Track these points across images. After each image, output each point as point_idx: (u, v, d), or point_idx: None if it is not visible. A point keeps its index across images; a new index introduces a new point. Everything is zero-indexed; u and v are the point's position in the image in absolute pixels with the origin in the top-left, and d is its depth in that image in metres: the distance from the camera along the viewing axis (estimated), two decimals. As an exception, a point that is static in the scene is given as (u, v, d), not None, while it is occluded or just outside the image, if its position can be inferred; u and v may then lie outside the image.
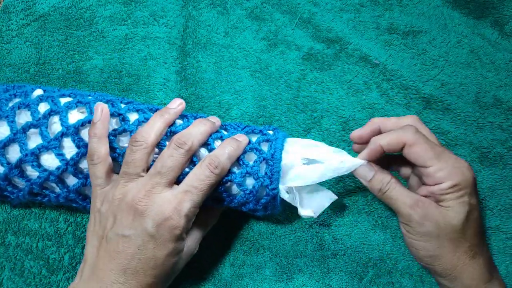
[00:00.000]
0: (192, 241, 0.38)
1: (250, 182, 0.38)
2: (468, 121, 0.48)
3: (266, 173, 0.38)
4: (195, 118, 0.41)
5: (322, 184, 0.41)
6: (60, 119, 0.39)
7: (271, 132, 0.41)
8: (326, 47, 0.51)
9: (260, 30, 0.52)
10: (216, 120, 0.41)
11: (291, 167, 0.39)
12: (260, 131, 0.41)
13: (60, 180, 0.39)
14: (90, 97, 0.41)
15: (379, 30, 0.52)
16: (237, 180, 0.38)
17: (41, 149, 0.38)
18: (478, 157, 0.47)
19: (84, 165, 0.39)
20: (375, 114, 0.48)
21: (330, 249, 0.44)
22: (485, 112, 0.48)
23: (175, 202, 0.35)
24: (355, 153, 0.41)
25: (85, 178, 0.39)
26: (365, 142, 0.40)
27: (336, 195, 0.40)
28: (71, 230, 0.44)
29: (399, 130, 0.37)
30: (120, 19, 0.52)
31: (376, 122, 0.40)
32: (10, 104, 0.40)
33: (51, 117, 0.39)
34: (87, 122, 0.39)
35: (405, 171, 0.41)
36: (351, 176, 0.44)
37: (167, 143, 0.38)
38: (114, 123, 0.40)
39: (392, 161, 0.42)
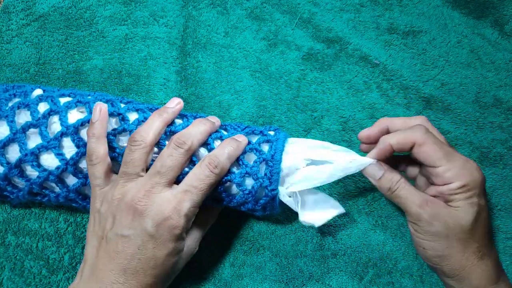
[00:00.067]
0: (192, 240, 0.38)
1: (249, 182, 0.38)
2: (468, 121, 0.48)
3: (265, 174, 0.38)
4: (195, 117, 0.41)
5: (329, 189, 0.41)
6: (60, 119, 0.39)
7: (272, 133, 0.41)
8: (326, 47, 0.51)
9: (260, 30, 0.52)
10: (215, 120, 0.41)
11: (294, 170, 0.39)
12: (261, 132, 0.41)
13: (60, 180, 0.39)
14: (89, 97, 0.41)
15: (379, 30, 0.52)
16: (236, 180, 0.38)
17: (41, 149, 0.38)
18: (478, 157, 0.47)
19: (83, 165, 0.39)
20: (375, 114, 0.48)
21: (330, 249, 0.44)
22: (485, 112, 0.48)
23: (174, 202, 0.35)
24: (362, 153, 0.41)
25: (84, 178, 0.39)
26: (373, 142, 0.40)
27: (344, 207, 0.40)
28: (71, 230, 0.44)
29: (409, 129, 0.37)
30: (120, 19, 0.52)
31: (384, 122, 0.40)
32: (10, 104, 0.40)
33: (50, 117, 0.39)
34: (86, 121, 0.39)
35: (412, 171, 0.41)
36: (351, 176, 0.44)
37: (166, 142, 0.38)
38: (114, 123, 0.40)
39: (399, 161, 0.42)
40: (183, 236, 0.36)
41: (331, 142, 0.42)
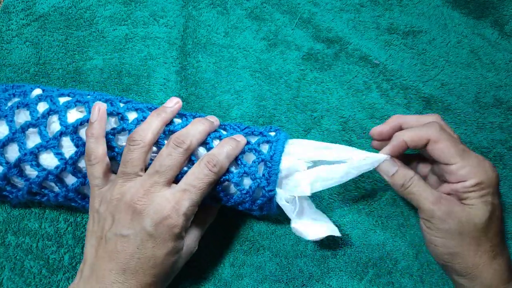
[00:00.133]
0: (191, 239, 0.38)
1: (247, 182, 0.38)
2: (468, 121, 0.48)
3: (263, 175, 0.38)
4: (194, 117, 0.41)
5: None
6: (59, 119, 0.39)
7: (272, 134, 0.41)
8: (326, 47, 0.51)
9: (260, 30, 0.52)
10: (214, 120, 0.41)
11: (294, 172, 0.39)
12: (261, 132, 0.41)
13: (59, 179, 0.39)
14: (89, 96, 0.41)
15: (379, 30, 0.52)
16: (234, 180, 0.38)
17: (40, 148, 0.38)
18: (478, 157, 0.47)
19: (83, 164, 0.39)
20: (375, 114, 0.48)
21: (330, 249, 0.44)
22: (485, 112, 0.48)
23: (173, 201, 0.35)
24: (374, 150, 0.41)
25: (84, 177, 0.39)
26: (385, 139, 0.40)
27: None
28: (71, 230, 0.44)
29: (423, 126, 0.37)
30: (120, 19, 0.52)
31: (397, 119, 0.40)
32: (9, 104, 0.40)
33: (50, 116, 0.39)
34: (85, 121, 0.39)
35: (423, 170, 0.41)
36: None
37: (165, 142, 0.38)
38: (113, 122, 0.40)
39: (409, 160, 0.42)
40: (182, 235, 0.36)
41: (331, 142, 0.42)
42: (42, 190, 0.40)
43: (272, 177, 0.38)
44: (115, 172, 0.38)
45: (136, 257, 0.34)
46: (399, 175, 0.38)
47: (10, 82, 0.49)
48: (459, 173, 0.36)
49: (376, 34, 0.52)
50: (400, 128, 0.40)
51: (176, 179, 0.37)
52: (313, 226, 0.39)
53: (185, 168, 0.37)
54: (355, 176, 0.38)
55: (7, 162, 0.39)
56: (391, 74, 0.50)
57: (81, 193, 0.40)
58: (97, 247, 0.36)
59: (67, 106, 0.39)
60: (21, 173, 0.39)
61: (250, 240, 0.44)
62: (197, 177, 0.36)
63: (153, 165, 0.36)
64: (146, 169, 0.37)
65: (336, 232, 0.39)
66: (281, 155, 0.38)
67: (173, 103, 0.40)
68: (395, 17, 0.52)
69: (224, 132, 0.41)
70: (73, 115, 0.39)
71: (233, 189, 0.39)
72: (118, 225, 0.35)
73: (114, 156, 0.38)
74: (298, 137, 0.43)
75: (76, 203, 0.41)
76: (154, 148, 0.38)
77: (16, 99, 0.41)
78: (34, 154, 0.38)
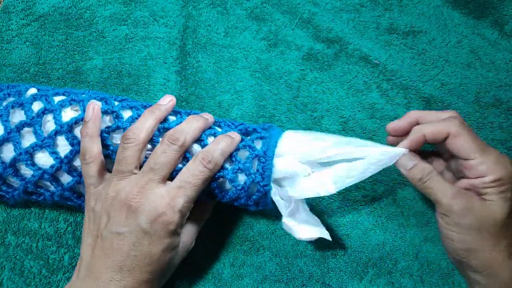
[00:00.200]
0: (188, 236, 0.38)
1: (242, 178, 0.39)
2: (468, 121, 0.48)
3: (257, 170, 0.38)
4: (189, 114, 0.41)
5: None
6: (54, 118, 0.39)
7: (266, 130, 0.41)
8: (326, 47, 0.51)
9: (260, 30, 0.52)
10: (209, 117, 0.41)
11: (293, 172, 0.39)
12: (254, 129, 0.41)
13: (55, 179, 0.39)
14: (83, 95, 0.41)
15: (379, 30, 0.52)
16: (229, 176, 0.38)
17: (35, 147, 0.38)
18: (478, 157, 0.47)
19: (78, 163, 0.39)
20: (375, 114, 0.48)
21: (330, 249, 0.44)
22: (485, 112, 0.48)
23: (168, 198, 0.35)
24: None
25: (79, 176, 0.39)
26: (400, 135, 0.40)
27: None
28: (71, 230, 0.44)
29: (443, 121, 0.37)
30: (120, 19, 0.52)
31: (414, 115, 0.40)
32: (4, 103, 0.40)
33: (44, 115, 0.39)
34: (80, 120, 0.39)
35: (438, 166, 0.41)
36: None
37: (160, 139, 0.38)
38: (108, 121, 0.40)
39: (423, 156, 0.41)
40: (178, 232, 0.36)
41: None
42: (38, 189, 0.40)
43: (266, 172, 0.38)
44: (110, 171, 0.38)
45: (132, 255, 0.34)
46: (417, 169, 0.37)
47: (10, 82, 0.49)
48: (478, 169, 0.35)
49: (376, 34, 0.52)
50: (417, 123, 0.39)
51: (171, 177, 0.37)
52: (303, 226, 0.39)
53: (180, 166, 0.38)
54: (375, 172, 0.38)
55: (2, 162, 0.39)
56: (391, 74, 0.50)
57: (77, 192, 0.40)
58: (93, 246, 0.36)
59: (62, 105, 0.40)
60: (17, 173, 0.39)
61: (250, 240, 0.44)
62: (192, 174, 0.36)
63: (148, 163, 0.36)
64: (141, 167, 0.37)
65: (327, 236, 0.39)
66: (274, 150, 0.38)
67: (167, 101, 0.40)
68: (395, 17, 0.52)
69: (219, 129, 0.41)
70: (68, 114, 0.39)
71: (228, 185, 0.39)
72: (114, 223, 0.35)
73: (109, 154, 0.39)
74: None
75: (72, 202, 0.41)
76: (149, 146, 0.38)
77: (11, 99, 0.41)
78: (29, 154, 0.38)
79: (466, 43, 0.51)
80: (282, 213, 0.39)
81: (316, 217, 0.40)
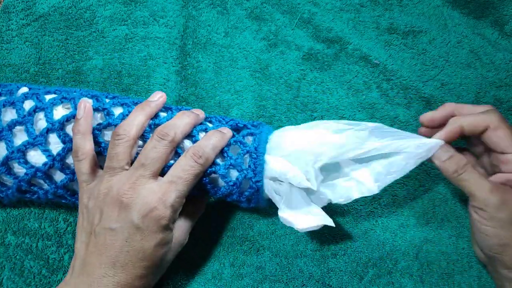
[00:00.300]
0: (181, 232, 0.38)
1: (233, 174, 0.39)
2: (468, 121, 0.48)
3: (249, 166, 0.38)
4: (180, 111, 0.41)
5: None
6: (45, 116, 0.39)
7: (255, 127, 0.41)
8: (326, 47, 0.51)
9: (260, 30, 0.52)
10: (200, 113, 0.41)
11: (350, 172, 0.38)
12: (245, 125, 0.41)
13: (48, 176, 0.39)
14: (75, 93, 0.41)
15: (379, 30, 0.52)
16: (221, 172, 0.38)
17: (27, 145, 0.38)
18: (478, 157, 0.47)
19: (70, 160, 0.39)
20: (375, 114, 0.48)
21: (330, 249, 0.44)
22: (485, 112, 0.48)
23: (160, 193, 0.35)
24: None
25: (72, 173, 0.39)
26: (435, 126, 0.39)
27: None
28: (70, 230, 0.44)
29: (482, 113, 0.37)
30: (120, 19, 0.52)
31: (449, 107, 0.39)
32: None
33: (36, 113, 0.39)
34: (72, 117, 0.39)
35: (469, 161, 0.40)
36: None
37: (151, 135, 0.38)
38: (99, 118, 0.40)
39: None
40: (170, 227, 0.36)
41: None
42: (32, 187, 0.40)
43: (258, 168, 0.38)
44: (102, 167, 0.38)
45: (125, 250, 0.34)
46: (453, 161, 0.37)
47: (10, 82, 0.49)
48: None
49: (376, 34, 0.52)
50: (453, 115, 0.39)
51: (163, 172, 0.37)
52: (302, 216, 0.38)
53: (172, 161, 0.38)
54: (414, 166, 0.37)
55: None
56: (391, 74, 0.50)
57: (70, 190, 0.41)
58: (87, 243, 0.36)
59: (53, 103, 0.40)
60: (10, 171, 0.39)
61: (250, 240, 0.44)
62: (183, 169, 0.36)
63: (139, 159, 0.36)
64: (132, 163, 0.37)
65: (329, 223, 0.38)
66: (265, 146, 0.39)
67: (157, 97, 0.40)
68: (395, 17, 0.52)
69: (210, 125, 0.41)
70: (60, 112, 0.40)
71: (220, 181, 0.39)
72: (106, 219, 0.35)
73: (101, 151, 0.39)
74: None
75: (66, 199, 0.41)
76: (140, 142, 0.38)
77: (2, 98, 0.41)
78: (21, 152, 0.38)
79: (466, 43, 0.51)
80: (278, 206, 0.39)
81: (316, 206, 0.39)
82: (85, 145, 0.37)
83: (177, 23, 0.52)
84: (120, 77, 0.50)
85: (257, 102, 0.49)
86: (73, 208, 0.44)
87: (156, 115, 0.39)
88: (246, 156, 0.39)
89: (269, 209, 0.44)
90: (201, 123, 0.40)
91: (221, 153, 0.39)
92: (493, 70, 0.50)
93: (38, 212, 0.44)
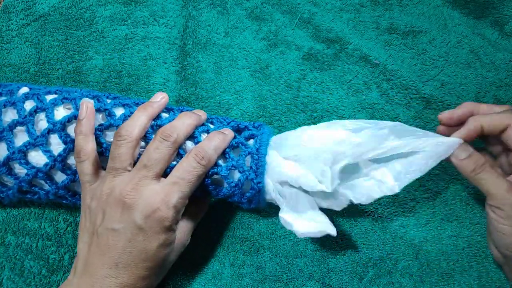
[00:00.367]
0: (183, 233, 0.38)
1: (235, 175, 0.39)
2: (468, 121, 0.48)
3: (251, 167, 0.38)
4: (181, 111, 0.41)
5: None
6: (46, 116, 0.39)
7: (256, 128, 0.41)
8: (326, 47, 0.51)
9: (260, 30, 0.52)
10: (202, 113, 0.41)
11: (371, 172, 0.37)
12: (246, 126, 0.41)
13: (49, 177, 0.39)
14: (76, 93, 0.41)
15: (379, 30, 0.52)
16: (223, 173, 0.38)
17: (28, 146, 0.38)
18: (478, 157, 0.47)
19: (72, 161, 0.39)
20: (375, 114, 0.48)
21: (330, 249, 0.44)
22: (485, 112, 0.48)
23: (163, 194, 0.35)
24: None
25: (73, 174, 0.39)
26: (453, 125, 0.39)
27: (338, 228, 0.38)
28: (70, 230, 0.44)
29: (503, 112, 0.37)
30: (120, 19, 0.52)
31: (468, 106, 0.39)
32: None
33: (37, 114, 0.39)
34: (73, 118, 0.39)
35: (487, 161, 0.41)
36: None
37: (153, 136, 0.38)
38: (101, 118, 0.40)
39: None
40: (173, 228, 0.36)
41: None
42: (32, 188, 0.40)
43: (259, 169, 0.38)
44: (104, 168, 0.38)
45: (127, 251, 0.34)
46: (472, 159, 0.37)
47: (10, 82, 0.49)
48: None
49: (376, 34, 0.52)
50: (471, 114, 0.39)
51: (165, 174, 0.37)
52: (303, 221, 0.38)
53: (174, 163, 0.38)
54: (434, 165, 0.37)
55: None
56: (391, 74, 0.50)
57: (71, 190, 0.41)
58: (89, 243, 0.36)
59: (54, 103, 0.40)
60: (10, 172, 0.39)
61: (250, 240, 0.44)
62: (186, 170, 0.36)
63: (141, 160, 0.36)
64: (135, 164, 0.37)
65: (332, 231, 0.37)
66: (266, 147, 0.39)
67: (159, 98, 0.40)
68: (395, 17, 0.52)
69: (212, 126, 0.41)
70: (61, 112, 0.40)
71: (222, 182, 0.39)
72: (109, 220, 0.35)
73: (103, 151, 0.39)
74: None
75: (67, 200, 0.41)
76: (142, 143, 0.38)
77: (3, 98, 0.41)
78: (22, 152, 0.38)
79: (466, 43, 0.51)
80: (280, 207, 0.39)
81: (321, 212, 0.39)
82: (87, 146, 0.37)
83: (177, 23, 0.52)
84: (120, 77, 0.50)
85: (257, 102, 0.49)
86: (73, 208, 0.44)
87: (158, 116, 0.39)
88: (247, 157, 0.39)
89: (269, 209, 0.44)
90: (203, 124, 0.40)
91: (223, 154, 0.39)
92: (493, 70, 0.50)
93: (38, 212, 0.44)
